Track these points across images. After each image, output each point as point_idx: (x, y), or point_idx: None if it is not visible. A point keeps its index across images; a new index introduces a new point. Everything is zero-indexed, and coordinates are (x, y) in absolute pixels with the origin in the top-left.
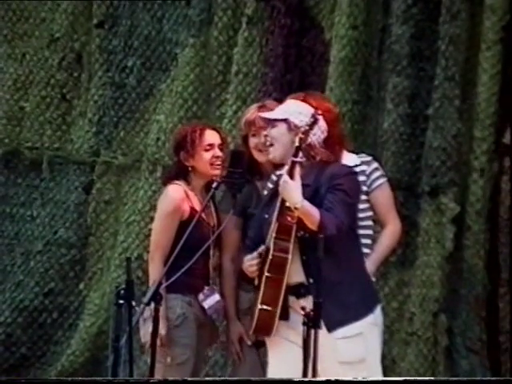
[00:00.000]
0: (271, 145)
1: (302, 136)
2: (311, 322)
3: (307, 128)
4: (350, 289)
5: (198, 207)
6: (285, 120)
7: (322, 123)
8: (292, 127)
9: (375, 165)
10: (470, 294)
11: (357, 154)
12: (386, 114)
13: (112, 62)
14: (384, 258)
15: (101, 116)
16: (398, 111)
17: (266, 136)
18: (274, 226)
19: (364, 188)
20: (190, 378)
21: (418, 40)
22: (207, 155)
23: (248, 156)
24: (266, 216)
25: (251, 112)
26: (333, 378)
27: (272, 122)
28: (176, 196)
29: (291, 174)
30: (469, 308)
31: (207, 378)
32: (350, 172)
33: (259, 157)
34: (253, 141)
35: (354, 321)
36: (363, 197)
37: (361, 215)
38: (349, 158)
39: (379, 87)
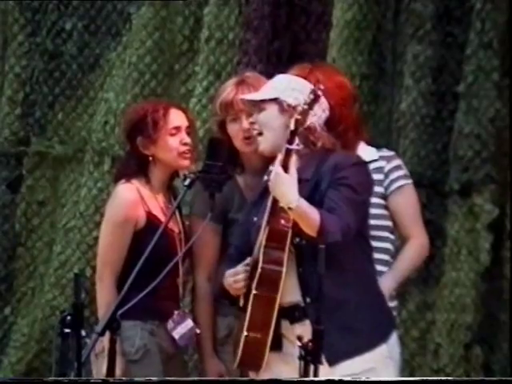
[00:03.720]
0: (260, 134)
1: (299, 117)
2: (310, 356)
3: (306, 107)
4: (357, 311)
5: (156, 211)
6: (275, 100)
7: (322, 100)
8: (285, 108)
9: (397, 162)
10: (511, 319)
11: (377, 148)
12: (405, 91)
13: (40, 22)
14: (405, 276)
15: (27, 94)
16: (420, 88)
17: (252, 124)
18: (263, 232)
19: (380, 189)
20: (188, 378)
21: None
22: (173, 141)
23: (227, 145)
24: (255, 219)
25: (228, 90)
26: (336, 378)
27: (259, 105)
28: (128, 198)
29: (285, 165)
30: (510, 338)
31: (207, 378)
32: (358, 162)
33: (242, 147)
34: (233, 127)
35: (362, 352)
36: (378, 200)
37: (374, 222)
38: (364, 152)
39: (395, 58)
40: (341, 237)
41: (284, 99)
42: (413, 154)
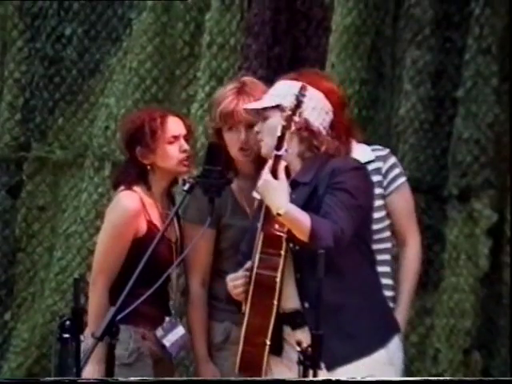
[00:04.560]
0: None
1: (285, 123)
2: (309, 361)
3: (289, 113)
4: (355, 316)
5: (156, 219)
6: (277, 107)
7: (322, 103)
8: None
9: (393, 160)
10: (510, 325)
11: (369, 145)
12: (404, 96)
13: (40, 28)
14: (413, 294)
15: (27, 99)
16: (419, 93)
17: (257, 133)
18: (258, 237)
19: (380, 190)
20: (188, 378)
21: (444, 2)
22: (172, 149)
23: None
24: (259, 225)
25: (229, 100)
26: (333, 378)
27: (262, 114)
28: (130, 207)
29: (274, 171)
30: (510, 343)
31: (204, 378)
32: (356, 167)
33: (238, 156)
34: (229, 136)
35: (359, 357)
36: (380, 202)
37: (377, 226)
38: (360, 152)
39: (394, 63)
40: (332, 242)
41: (286, 105)
42: (412, 159)
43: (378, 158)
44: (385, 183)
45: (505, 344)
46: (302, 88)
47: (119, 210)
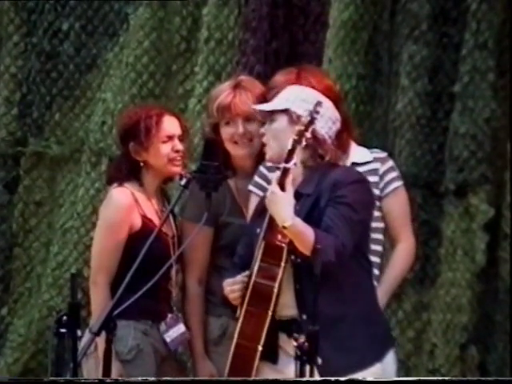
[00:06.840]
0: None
1: (296, 138)
2: (305, 356)
3: (302, 128)
4: (352, 329)
5: (151, 214)
6: (285, 111)
7: (330, 112)
8: (294, 119)
9: (390, 163)
10: (506, 320)
11: (368, 147)
12: (400, 91)
13: (37, 23)
14: (396, 285)
15: (24, 94)
16: (416, 88)
17: (262, 134)
18: (259, 246)
19: (376, 192)
20: (188, 378)
21: None
22: (165, 148)
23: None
24: (259, 230)
25: (225, 94)
26: (332, 379)
27: (270, 116)
28: (123, 202)
29: (282, 184)
30: (506, 338)
31: (203, 378)
32: (358, 180)
33: (234, 150)
34: (227, 130)
35: (355, 370)
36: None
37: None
38: (358, 153)
39: (391, 58)
40: (334, 257)
41: (294, 110)
42: (408, 154)
43: (375, 160)
44: (381, 185)
45: (501, 339)
46: (318, 104)
47: (111, 206)
